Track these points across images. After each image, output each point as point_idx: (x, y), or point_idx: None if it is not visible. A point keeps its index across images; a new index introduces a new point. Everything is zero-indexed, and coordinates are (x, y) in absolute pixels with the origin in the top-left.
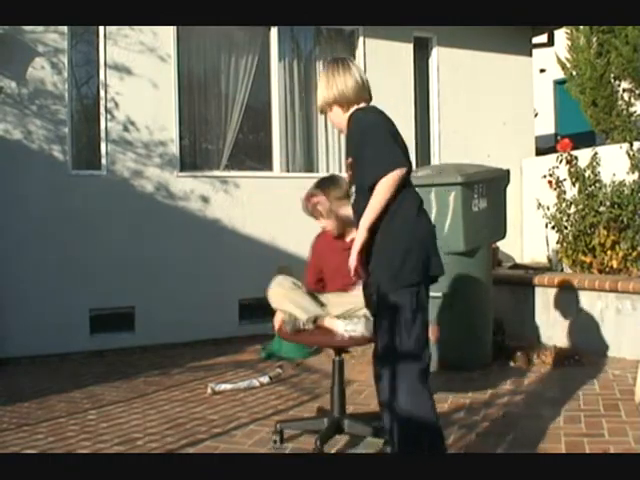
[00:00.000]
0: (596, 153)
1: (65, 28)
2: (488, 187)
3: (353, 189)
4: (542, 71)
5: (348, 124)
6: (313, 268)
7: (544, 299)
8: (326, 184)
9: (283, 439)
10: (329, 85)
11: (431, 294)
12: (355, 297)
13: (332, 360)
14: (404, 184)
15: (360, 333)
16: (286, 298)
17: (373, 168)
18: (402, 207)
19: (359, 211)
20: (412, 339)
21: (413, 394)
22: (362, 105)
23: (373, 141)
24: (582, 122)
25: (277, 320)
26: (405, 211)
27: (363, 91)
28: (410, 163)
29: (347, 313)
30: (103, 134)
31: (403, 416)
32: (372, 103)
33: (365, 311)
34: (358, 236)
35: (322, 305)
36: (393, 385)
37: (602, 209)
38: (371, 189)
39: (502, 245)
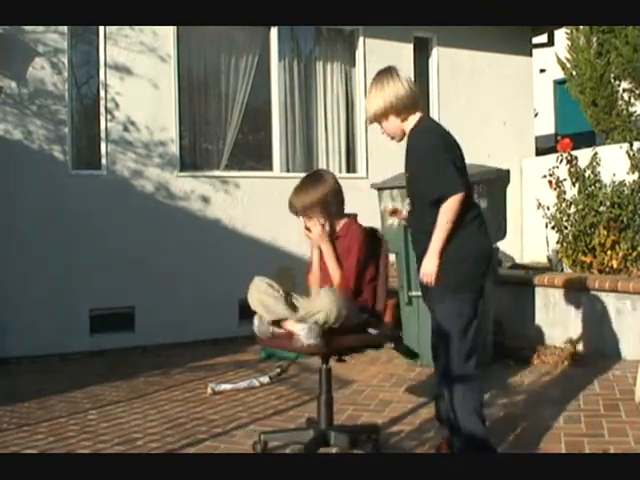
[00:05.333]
0: (596, 153)
1: (65, 28)
2: (488, 187)
3: (408, 200)
4: (542, 71)
5: (410, 138)
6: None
7: (544, 299)
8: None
9: (266, 450)
10: (383, 94)
11: None
12: (314, 301)
13: (319, 369)
14: (465, 202)
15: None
16: (259, 301)
17: (433, 190)
18: (463, 224)
19: (415, 225)
20: (469, 343)
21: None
22: (418, 115)
23: (434, 163)
24: (582, 122)
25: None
26: (466, 228)
27: (416, 99)
28: (467, 182)
29: (303, 317)
30: (103, 134)
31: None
32: None
33: (316, 318)
34: (431, 261)
35: (295, 309)
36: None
37: (602, 209)
38: (431, 205)
39: (502, 245)
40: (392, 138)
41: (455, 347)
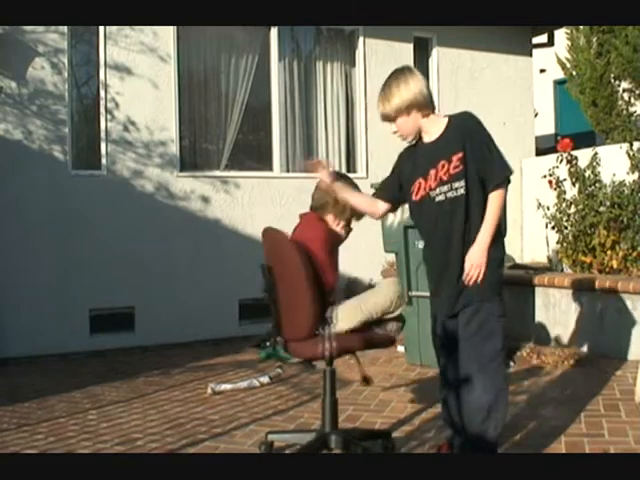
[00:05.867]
0: (596, 153)
1: (65, 28)
2: None
3: (460, 184)
4: (542, 71)
5: (462, 119)
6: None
7: (544, 299)
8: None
9: (272, 450)
10: (408, 88)
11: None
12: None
13: (323, 371)
14: None
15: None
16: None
17: (505, 167)
18: (501, 226)
19: (462, 211)
20: (502, 342)
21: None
22: (440, 114)
23: (496, 147)
24: (582, 122)
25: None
26: (500, 231)
27: (432, 98)
28: None
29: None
30: (103, 134)
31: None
32: (372, 102)
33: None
34: (482, 249)
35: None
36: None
37: (602, 209)
38: (498, 185)
39: None
40: (404, 138)
41: (497, 349)
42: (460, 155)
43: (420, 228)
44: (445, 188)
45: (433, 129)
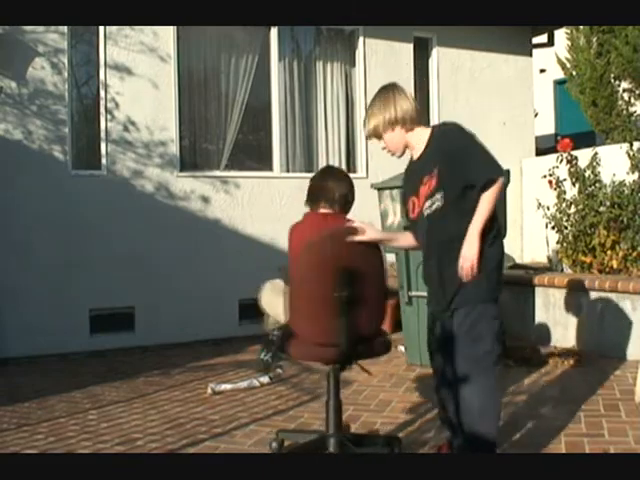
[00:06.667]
0: (596, 153)
1: (65, 28)
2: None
3: (438, 196)
4: (542, 71)
5: (444, 130)
6: None
7: (544, 299)
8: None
9: (282, 447)
10: (388, 106)
11: None
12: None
13: (327, 373)
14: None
15: None
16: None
17: (489, 167)
18: (494, 228)
19: (443, 221)
20: (499, 347)
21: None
22: (424, 127)
23: (481, 146)
24: (582, 122)
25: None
26: (497, 233)
27: (419, 114)
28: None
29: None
30: (103, 134)
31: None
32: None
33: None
34: (473, 242)
35: None
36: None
37: (602, 209)
38: (482, 188)
39: None
40: (392, 154)
41: (487, 350)
42: (437, 169)
43: (418, 242)
44: (429, 203)
45: (419, 144)
